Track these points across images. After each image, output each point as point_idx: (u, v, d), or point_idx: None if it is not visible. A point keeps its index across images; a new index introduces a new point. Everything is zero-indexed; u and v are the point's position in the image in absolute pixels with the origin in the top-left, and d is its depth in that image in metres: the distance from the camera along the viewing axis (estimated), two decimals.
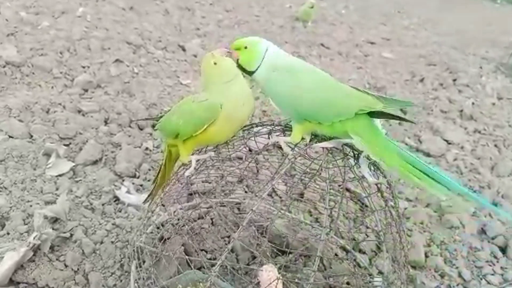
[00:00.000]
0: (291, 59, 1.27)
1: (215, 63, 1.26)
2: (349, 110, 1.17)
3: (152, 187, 1.58)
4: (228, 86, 1.25)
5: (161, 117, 1.45)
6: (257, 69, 1.25)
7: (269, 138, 1.42)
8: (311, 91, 1.19)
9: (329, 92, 1.19)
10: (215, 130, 1.25)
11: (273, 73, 1.22)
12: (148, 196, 1.59)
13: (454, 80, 4.28)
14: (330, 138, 1.27)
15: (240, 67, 1.27)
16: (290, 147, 1.29)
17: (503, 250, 2.00)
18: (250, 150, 1.97)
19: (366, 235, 1.98)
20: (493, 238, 2.06)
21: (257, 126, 1.48)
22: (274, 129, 1.40)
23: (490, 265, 1.90)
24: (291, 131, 1.38)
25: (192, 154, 1.37)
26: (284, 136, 1.41)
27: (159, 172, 1.53)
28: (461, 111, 3.53)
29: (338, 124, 1.18)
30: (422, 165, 1.18)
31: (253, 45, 1.26)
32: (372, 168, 1.32)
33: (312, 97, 1.18)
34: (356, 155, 1.32)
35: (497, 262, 1.93)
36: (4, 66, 2.92)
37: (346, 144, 1.31)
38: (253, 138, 1.41)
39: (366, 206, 2.03)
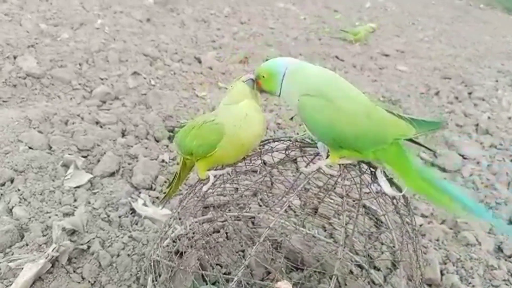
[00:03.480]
0: (320, 79, 1.21)
1: (231, 86, 1.34)
2: (385, 140, 1.17)
3: (166, 192, 1.64)
4: (231, 108, 1.30)
5: (181, 126, 1.49)
6: (280, 93, 1.26)
7: (285, 153, 1.43)
8: (350, 121, 1.15)
9: (368, 121, 1.15)
10: (222, 151, 1.28)
11: (304, 98, 1.17)
12: (163, 198, 1.68)
13: (470, 93, 4.25)
14: None
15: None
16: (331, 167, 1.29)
17: None
18: (264, 163, 1.98)
19: (381, 252, 1.97)
20: (510, 257, 2.03)
21: (274, 141, 1.49)
22: (291, 145, 1.42)
23: (507, 284, 1.87)
24: (309, 147, 1.40)
25: (209, 170, 1.39)
26: (301, 152, 1.43)
27: (173, 179, 1.58)
28: (477, 125, 3.50)
29: (370, 152, 1.19)
30: (452, 190, 1.18)
31: (269, 74, 1.27)
32: (388, 184, 1.32)
33: (350, 127, 1.15)
34: (372, 172, 1.33)
35: None
36: (24, 78, 2.98)
37: (362, 161, 1.32)
38: (270, 154, 1.43)
39: (381, 222, 2.02)
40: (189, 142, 1.35)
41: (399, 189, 1.31)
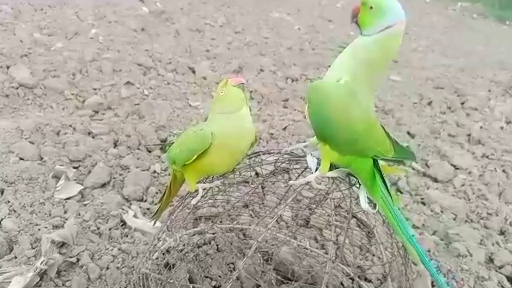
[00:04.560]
0: (369, 69, 1.10)
1: (222, 92, 1.28)
2: (366, 152, 1.16)
3: (157, 208, 1.61)
4: (227, 117, 1.26)
5: (171, 143, 1.48)
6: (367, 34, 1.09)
7: (274, 166, 1.43)
8: (351, 123, 1.09)
9: (364, 129, 1.12)
10: (209, 160, 1.26)
11: (331, 84, 1.10)
12: (154, 215, 1.62)
13: (462, 103, 4.27)
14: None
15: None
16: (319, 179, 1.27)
17: (511, 280, 1.98)
18: (256, 174, 1.98)
19: (372, 262, 1.97)
20: (500, 267, 2.04)
21: (263, 154, 1.50)
22: (280, 158, 1.42)
23: None
24: (298, 160, 1.40)
25: (199, 183, 1.39)
26: (290, 165, 1.43)
27: (164, 193, 1.56)
28: (469, 135, 3.52)
29: (346, 158, 1.18)
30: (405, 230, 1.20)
31: (379, 8, 1.07)
32: (367, 199, 1.31)
33: (347, 128, 1.10)
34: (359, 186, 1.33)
35: None
36: (17, 88, 2.98)
37: (352, 174, 1.32)
38: (259, 167, 1.44)
39: (373, 233, 2.02)
40: (173, 149, 1.35)
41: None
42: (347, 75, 1.09)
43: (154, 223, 1.67)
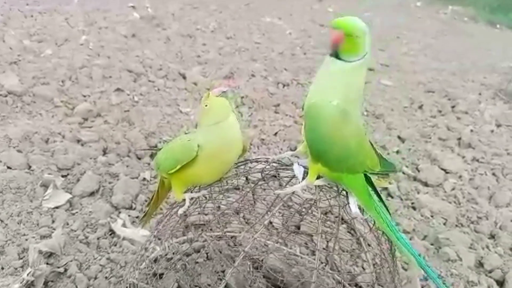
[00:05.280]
0: (355, 87, 1.15)
1: (206, 105, 1.27)
2: (357, 169, 1.19)
3: (144, 213, 1.61)
4: (214, 128, 1.25)
5: (161, 149, 1.48)
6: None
7: (261, 175, 1.43)
8: (345, 142, 1.13)
9: (356, 147, 1.15)
10: (196, 171, 1.26)
11: (326, 104, 1.12)
12: (142, 218, 1.63)
13: (453, 107, 4.29)
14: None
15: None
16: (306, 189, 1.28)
17: (501, 284, 1.99)
18: (247, 180, 1.97)
19: (363, 268, 1.97)
20: (490, 272, 2.04)
21: (251, 162, 1.50)
22: (267, 167, 1.42)
23: None
24: (286, 169, 1.40)
25: (186, 192, 1.39)
26: (277, 173, 1.43)
27: (152, 198, 1.56)
28: (460, 139, 3.53)
29: (336, 174, 1.20)
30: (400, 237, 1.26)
31: (363, 34, 1.10)
32: (357, 204, 1.32)
33: (342, 146, 1.14)
34: (347, 192, 1.33)
35: None
36: (5, 96, 2.96)
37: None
38: (246, 176, 1.43)
39: (364, 239, 2.02)
40: (159, 155, 1.36)
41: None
42: (338, 98, 1.12)
43: (142, 226, 1.68)
